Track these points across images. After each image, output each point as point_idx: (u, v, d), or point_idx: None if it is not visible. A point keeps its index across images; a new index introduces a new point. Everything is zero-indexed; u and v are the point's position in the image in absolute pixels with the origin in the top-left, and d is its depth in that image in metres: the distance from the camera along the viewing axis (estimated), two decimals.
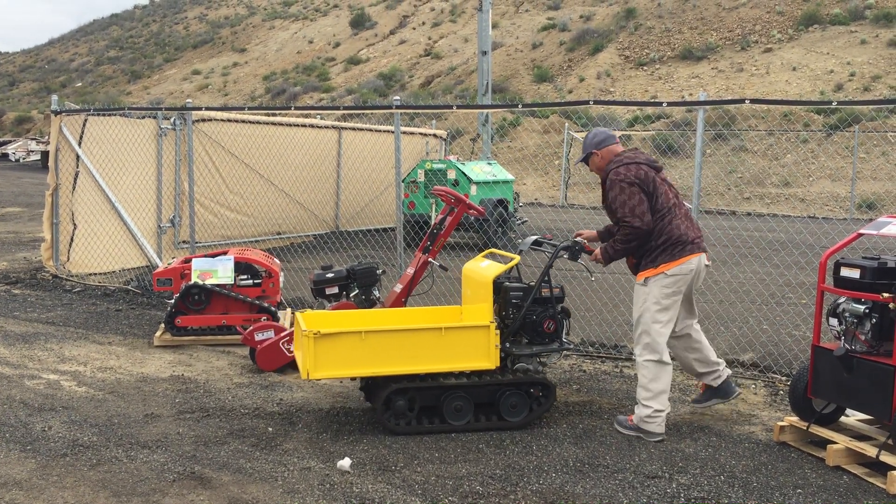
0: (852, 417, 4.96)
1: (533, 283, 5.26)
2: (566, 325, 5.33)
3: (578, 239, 5.38)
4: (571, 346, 5.31)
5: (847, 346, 4.62)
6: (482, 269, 5.36)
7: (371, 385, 5.22)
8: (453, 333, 4.97)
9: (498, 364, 5.04)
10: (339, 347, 4.81)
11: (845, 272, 4.66)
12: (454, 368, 5.03)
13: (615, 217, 5.18)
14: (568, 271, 10.35)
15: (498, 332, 5.02)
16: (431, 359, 4.94)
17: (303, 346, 4.82)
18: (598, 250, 5.26)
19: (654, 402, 5.01)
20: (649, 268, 5.06)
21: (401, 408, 4.94)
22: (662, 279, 5.02)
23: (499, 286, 5.28)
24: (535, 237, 5.58)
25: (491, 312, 5.15)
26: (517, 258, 5.34)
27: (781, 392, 5.94)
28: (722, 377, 5.33)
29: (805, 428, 4.81)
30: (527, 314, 5.19)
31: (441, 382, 5.00)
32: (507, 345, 5.17)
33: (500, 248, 9.64)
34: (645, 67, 34.92)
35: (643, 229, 4.99)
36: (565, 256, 5.32)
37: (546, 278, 5.24)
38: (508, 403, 5.09)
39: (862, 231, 4.84)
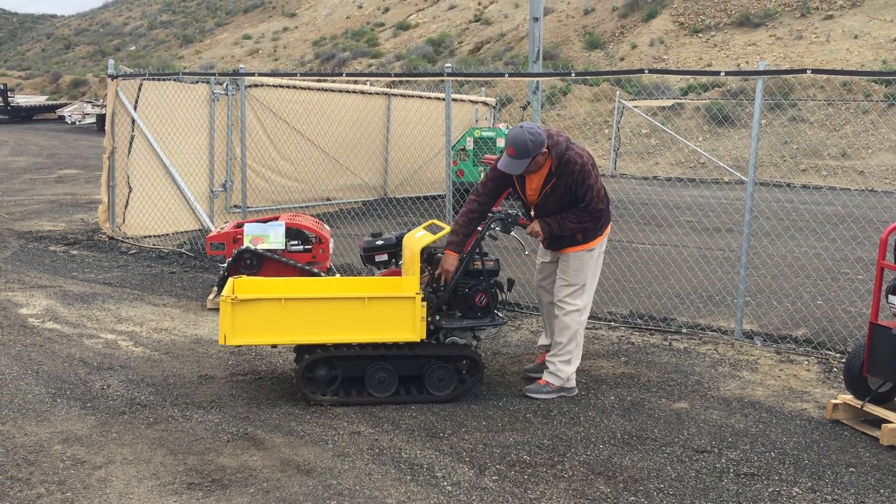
0: None
1: (465, 256, 5.07)
2: (499, 299, 5.15)
3: (513, 211, 5.22)
4: (504, 322, 5.17)
5: None
6: (415, 240, 5.22)
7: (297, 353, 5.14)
8: (377, 304, 4.83)
9: (424, 336, 4.86)
10: (257, 314, 4.72)
11: None
12: (378, 339, 4.88)
13: (575, 202, 5.00)
14: (618, 242, 10.25)
15: (425, 304, 4.89)
16: (354, 329, 4.82)
17: (221, 311, 4.73)
18: (535, 223, 5.09)
19: (578, 358, 5.23)
20: (598, 236, 5.18)
21: (321, 378, 4.86)
22: (601, 246, 5.26)
23: (431, 257, 5.17)
24: None
25: (417, 284, 5.03)
26: (448, 228, 5.18)
27: (835, 369, 5.84)
28: None
29: (859, 406, 4.73)
30: (458, 287, 5.03)
31: (359, 353, 4.87)
32: (437, 317, 5.01)
33: None
34: (700, 34, 34.09)
35: (604, 210, 5.11)
36: (498, 229, 5.17)
37: (478, 250, 5.07)
38: (435, 377, 4.97)
39: None
